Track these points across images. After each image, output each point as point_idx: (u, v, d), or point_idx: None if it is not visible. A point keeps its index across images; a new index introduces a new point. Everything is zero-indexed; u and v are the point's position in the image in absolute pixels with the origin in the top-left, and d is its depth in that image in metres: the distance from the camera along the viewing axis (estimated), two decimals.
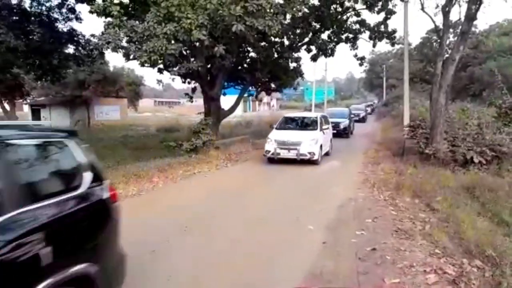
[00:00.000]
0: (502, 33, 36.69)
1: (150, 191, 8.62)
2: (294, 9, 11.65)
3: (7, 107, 31.91)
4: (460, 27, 12.12)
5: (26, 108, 37.23)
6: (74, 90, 32.85)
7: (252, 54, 16.87)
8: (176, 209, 7.25)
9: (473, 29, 24.74)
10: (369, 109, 46.06)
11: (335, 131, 17.38)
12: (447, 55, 12.10)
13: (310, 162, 11.84)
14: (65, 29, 17.29)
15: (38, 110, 32.69)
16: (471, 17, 10.79)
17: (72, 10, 17.02)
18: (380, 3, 16.22)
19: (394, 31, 17.51)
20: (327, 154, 13.62)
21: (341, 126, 20.20)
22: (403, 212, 6.70)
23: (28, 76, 22.74)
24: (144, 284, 4.07)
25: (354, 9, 17.17)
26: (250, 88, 19.07)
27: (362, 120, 33.66)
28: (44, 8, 16.73)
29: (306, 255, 4.89)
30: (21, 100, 31.06)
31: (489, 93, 23.16)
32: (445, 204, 6.65)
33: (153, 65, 12.13)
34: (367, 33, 17.62)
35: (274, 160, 12.22)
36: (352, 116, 24.55)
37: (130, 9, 14.35)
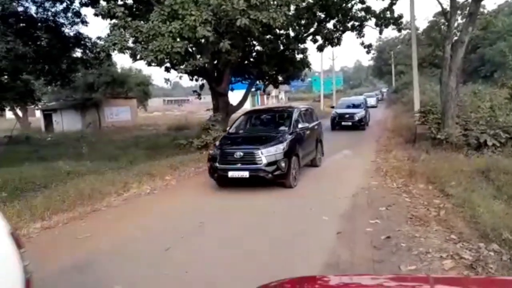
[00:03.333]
0: (511, 12, 35.94)
1: (164, 189, 8.70)
2: None
3: (20, 113, 32.46)
4: (467, 8, 11.90)
5: (38, 113, 37.74)
6: (84, 93, 33.25)
7: (258, 47, 16.78)
8: (190, 206, 7.32)
9: (481, 9, 24.18)
10: (374, 101, 34.96)
11: None
12: (455, 38, 11.90)
13: None
14: (71, 33, 17.49)
15: (49, 115, 33.11)
16: None
17: (77, 14, 17.16)
18: None
19: (400, 17, 17.23)
20: None
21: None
22: (417, 199, 6.65)
23: (38, 82, 23.03)
24: None
25: None
26: (257, 82, 19.04)
27: (361, 124, 19.34)
28: (50, 13, 16.91)
29: (322, 245, 4.90)
30: (32, 106, 31.50)
31: (501, 74, 22.74)
32: (459, 188, 6.58)
33: (160, 64, 12.17)
34: (373, 20, 17.36)
35: None
36: (299, 129, 9.16)
37: (134, 9, 14.43)
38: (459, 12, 16.07)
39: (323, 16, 16.68)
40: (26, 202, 6.82)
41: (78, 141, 18.64)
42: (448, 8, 12.14)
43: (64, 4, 16.67)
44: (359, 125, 19.19)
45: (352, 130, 18.67)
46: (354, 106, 21.02)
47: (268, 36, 15.50)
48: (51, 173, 9.77)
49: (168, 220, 6.39)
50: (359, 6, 17.27)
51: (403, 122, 17.45)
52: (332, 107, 22.60)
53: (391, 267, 4.14)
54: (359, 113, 19.60)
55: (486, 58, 32.17)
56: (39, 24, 16.45)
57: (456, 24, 14.72)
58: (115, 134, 23.93)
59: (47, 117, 33.27)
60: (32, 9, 16.77)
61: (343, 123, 19.10)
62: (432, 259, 4.24)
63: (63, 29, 17.22)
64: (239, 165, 7.77)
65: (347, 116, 19.43)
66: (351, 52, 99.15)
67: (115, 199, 7.69)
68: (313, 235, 5.33)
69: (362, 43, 18.40)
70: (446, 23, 13.32)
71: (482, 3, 11.83)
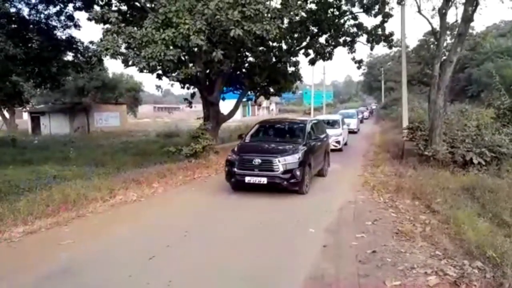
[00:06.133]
0: (499, 35, 36.92)
1: (150, 196, 8.60)
2: (292, 13, 11.67)
3: (7, 114, 32.00)
4: (457, 29, 12.19)
5: (26, 116, 37.26)
6: (73, 97, 33.04)
7: (251, 58, 16.89)
8: (176, 215, 7.25)
9: (470, 30, 24.79)
10: (354, 123, 25.37)
11: None
12: (444, 57, 12.15)
13: None
14: (63, 37, 17.41)
15: (37, 117, 32.71)
16: (467, 18, 10.84)
17: (70, 17, 17.11)
18: (377, 6, 16.27)
19: (391, 34, 17.53)
20: None
21: None
22: (403, 214, 6.70)
23: (27, 84, 22.81)
24: None
25: (351, 13, 17.22)
26: (249, 92, 19.10)
27: (291, 181, 8.02)
28: (42, 16, 16.82)
29: (307, 258, 4.89)
30: (20, 108, 31.14)
31: (487, 94, 23.17)
32: (445, 205, 6.65)
33: (151, 71, 12.16)
34: (365, 36, 17.63)
35: None
36: None
37: (128, 15, 14.45)
38: (448, 32, 16.48)
39: (315, 30, 16.88)
40: (9, 206, 6.67)
41: (65, 145, 18.42)
42: (438, 28, 12.43)
43: (58, 7, 16.60)
44: (288, 184, 8.11)
45: (277, 194, 8.26)
46: (286, 137, 9.83)
47: (261, 48, 15.63)
48: (36, 176, 9.60)
49: (153, 230, 6.31)
50: (352, 22, 17.57)
51: (391, 138, 17.63)
52: (241, 136, 10.66)
53: (376, 282, 4.14)
54: (290, 155, 8.25)
55: (474, 78, 32.79)
56: (31, 26, 16.33)
57: (445, 44, 15.05)
58: (103, 139, 23.70)
59: (35, 120, 32.88)
60: (25, 11, 16.71)
61: (247, 179, 8.16)
62: (417, 275, 4.25)
63: (55, 32, 17.13)
64: None
65: (257, 162, 8.20)
66: (342, 67, 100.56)
67: (100, 205, 7.56)
68: (299, 248, 5.32)
69: (353, 59, 18.66)
70: (436, 43, 13.62)
71: (471, 24, 12.12)
